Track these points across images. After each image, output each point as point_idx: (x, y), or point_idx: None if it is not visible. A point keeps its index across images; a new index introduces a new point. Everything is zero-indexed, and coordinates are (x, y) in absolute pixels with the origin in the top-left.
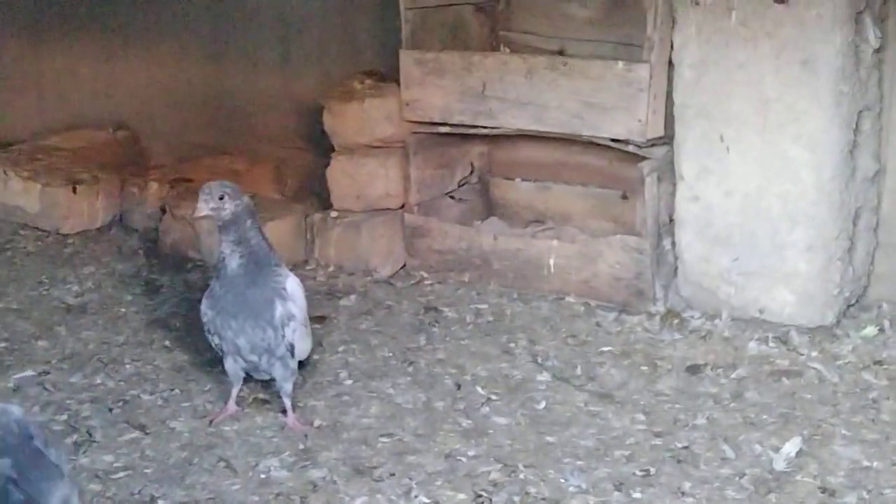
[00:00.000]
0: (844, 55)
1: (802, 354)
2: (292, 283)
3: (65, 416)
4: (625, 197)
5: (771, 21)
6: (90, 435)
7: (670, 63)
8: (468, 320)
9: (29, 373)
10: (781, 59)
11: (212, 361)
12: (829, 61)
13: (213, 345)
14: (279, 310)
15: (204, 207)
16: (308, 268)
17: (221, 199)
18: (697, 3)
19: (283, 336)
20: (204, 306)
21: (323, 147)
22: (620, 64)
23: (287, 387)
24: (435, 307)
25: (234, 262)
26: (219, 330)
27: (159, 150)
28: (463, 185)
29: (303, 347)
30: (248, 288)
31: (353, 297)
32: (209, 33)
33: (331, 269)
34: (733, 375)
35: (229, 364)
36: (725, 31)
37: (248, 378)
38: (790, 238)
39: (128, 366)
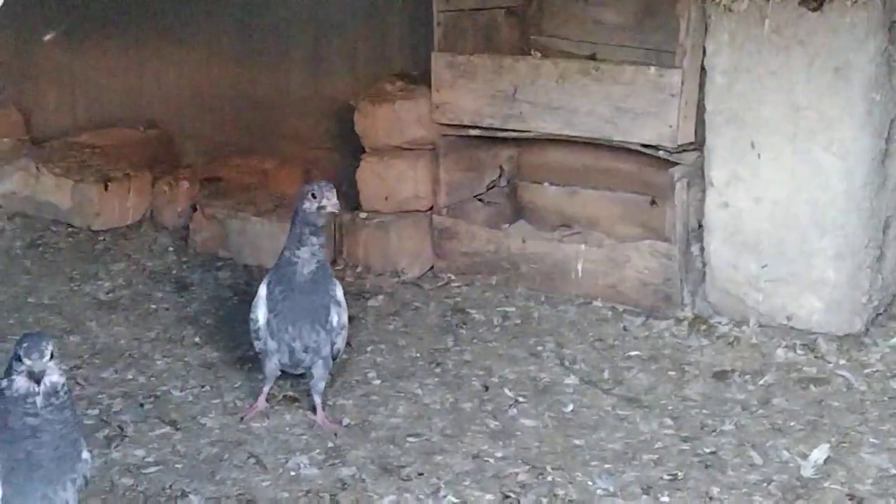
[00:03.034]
0: (877, 63)
1: (830, 362)
2: (341, 292)
3: (96, 411)
4: (653, 202)
5: (804, 29)
6: (122, 430)
7: (702, 69)
8: (495, 323)
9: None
10: (814, 67)
11: (242, 359)
12: (861, 69)
13: (257, 349)
14: (335, 317)
15: (337, 203)
16: (337, 268)
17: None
18: (731, 10)
19: (334, 343)
20: (258, 314)
21: (351, 148)
22: (652, 69)
23: (320, 385)
24: (462, 309)
25: (308, 268)
26: (275, 333)
27: (189, 149)
28: (491, 188)
29: (342, 351)
30: (310, 294)
31: (380, 297)
32: (240, 33)
33: (359, 269)
34: (761, 382)
35: (271, 365)
36: (758, 39)
37: (280, 374)
38: (819, 245)
39: (158, 362)
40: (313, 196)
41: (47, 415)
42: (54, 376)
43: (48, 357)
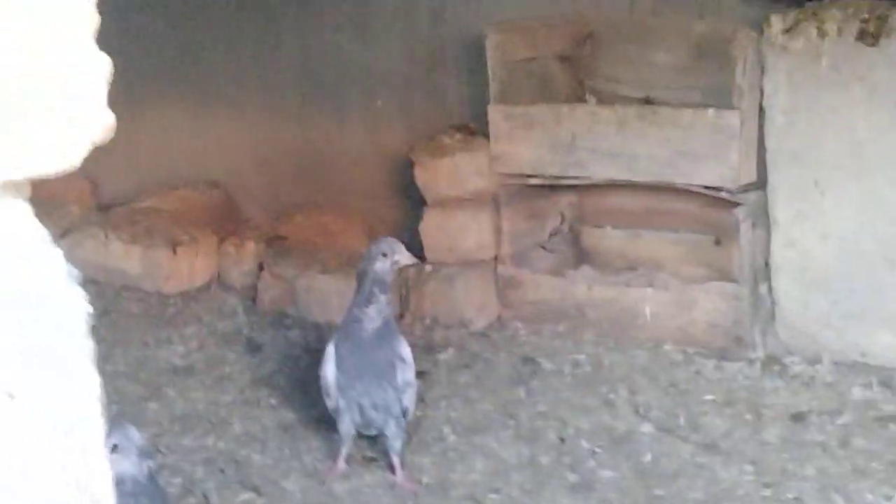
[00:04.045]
0: None
1: None
2: (408, 350)
3: (179, 479)
4: (717, 242)
5: (862, 65)
6: (206, 498)
7: (760, 108)
8: (566, 371)
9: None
10: (874, 103)
11: (318, 420)
12: None
13: (330, 408)
14: (400, 375)
15: (409, 255)
16: (404, 322)
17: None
18: (787, 50)
19: (402, 401)
20: (326, 371)
21: (412, 199)
22: (711, 112)
23: (397, 445)
24: (532, 359)
25: (373, 325)
26: (343, 391)
27: (251, 208)
28: (554, 235)
29: (412, 409)
30: (375, 351)
31: (450, 350)
32: (297, 91)
33: (426, 321)
34: (839, 422)
35: (345, 424)
36: (816, 77)
37: (356, 435)
38: (889, 280)
39: (236, 426)
40: (384, 255)
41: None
42: (121, 467)
43: (110, 450)
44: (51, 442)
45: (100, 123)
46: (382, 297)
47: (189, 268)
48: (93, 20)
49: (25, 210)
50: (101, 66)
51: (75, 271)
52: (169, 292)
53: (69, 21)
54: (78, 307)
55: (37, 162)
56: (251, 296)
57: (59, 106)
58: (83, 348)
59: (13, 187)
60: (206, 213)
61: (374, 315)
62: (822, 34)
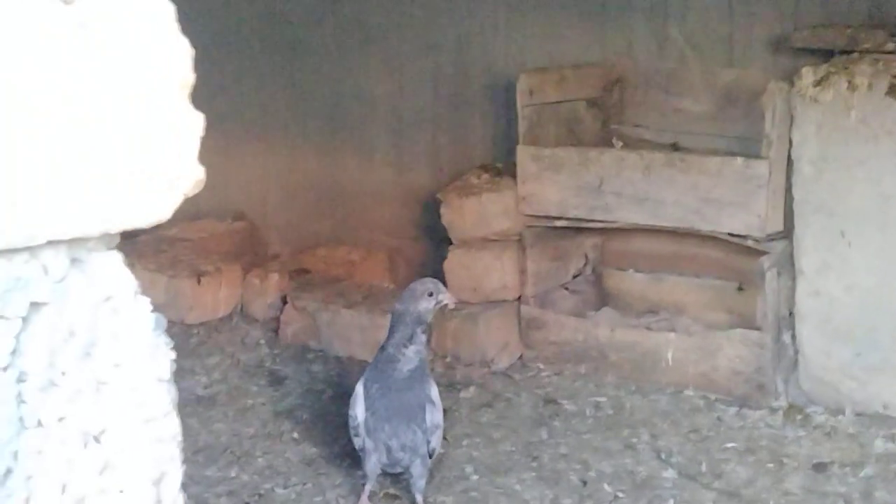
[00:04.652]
0: None
1: None
2: (436, 391)
3: None
4: (741, 288)
5: (891, 119)
6: None
7: (788, 158)
8: (588, 413)
9: None
10: None
11: (341, 455)
12: None
13: (357, 447)
14: (429, 417)
15: (452, 296)
16: (428, 359)
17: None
18: (817, 101)
19: (429, 442)
20: (356, 411)
21: (435, 238)
22: (739, 160)
23: (421, 483)
24: (554, 400)
25: (409, 366)
26: (372, 432)
27: (275, 240)
28: (577, 276)
29: (438, 449)
30: (406, 392)
31: (472, 388)
32: (324, 126)
33: (448, 359)
34: (861, 474)
35: (371, 463)
36: (845, 129)
37: (380, 472)
38: None
39: (259, 459)
40: (430, 295)
41: None
42: None
43: None
44: (134, 485)
45: (191, 178)
46: (423, 338)
47: (213, 298)
48: (188, 79)
49: (118, 261)
50: (196, 124)
51: (162, 320)
52: (192, 322)
53: (167, 80)
54: (163, 355)
55: (132, 215)
56: (274, 328)
57: (154, 162)
58: (167, 394)
59: (108, 239)
60: (231, 243)
61: (413, 356)
62: (852, 87)
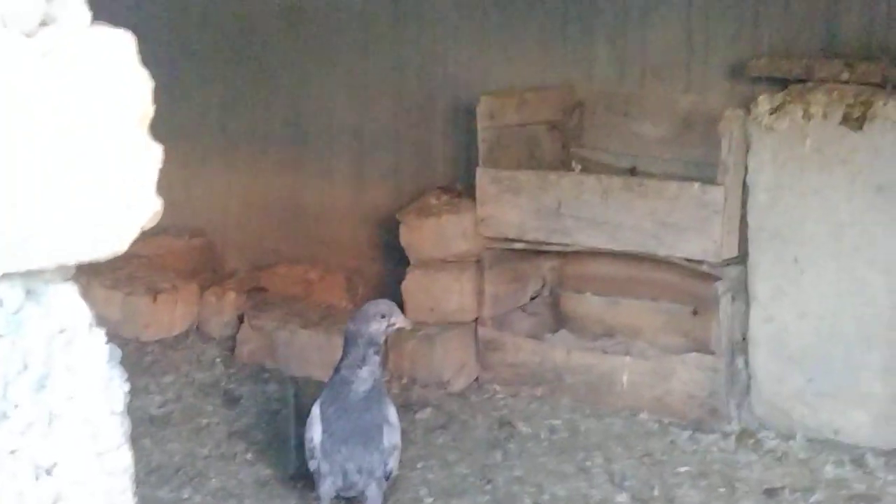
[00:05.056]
0: None
1: (879, 478)
2: (395, 412)
3: None
4: (695, 312)
5: (846, 148)
6: None
7: (744, 185)
8: (542, 437)
9: None
10: (856, 185)
11: (294, 477)
12: None
13: (311, 469)
14: (387, 438)
15: (406, 318)
16: (383, 379)
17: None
18: (773, 129)
19: (387, 464)
20: (313, 433)
21: (394, 258)
22: (696, 186)
23: None
24: (509, 422)
25: (364, 387)
26: (328, 454)
27: (233, 258)
28: (534, 298)
29: (395, 471)
30: (363, 414)
31: (428, 410)
32: (286, 145)
33: (404, 380)
34: (812, 499)
35: (325, 486)
36: (800, 157)
37: (334, 496)
38: (864, 360)
39: (213, 480)
40: (382, 317)
41: None
42: None
43: None
44: None
45: (149, 210)
46: (376, 359)
47: (169, 316)
48: (147, 112)
49: (73, 292)
50: (154, 156)
51: (117, 351)
52: (147, 339)
53: (125, 113)
54: (117, 387)
55: (88, 247)
56: (230, 346)
57: (111, 194)
58: (120, 427)
59: (64, 270)
60: (189, 260)
61: (367, 377)
62: (807, 116)
